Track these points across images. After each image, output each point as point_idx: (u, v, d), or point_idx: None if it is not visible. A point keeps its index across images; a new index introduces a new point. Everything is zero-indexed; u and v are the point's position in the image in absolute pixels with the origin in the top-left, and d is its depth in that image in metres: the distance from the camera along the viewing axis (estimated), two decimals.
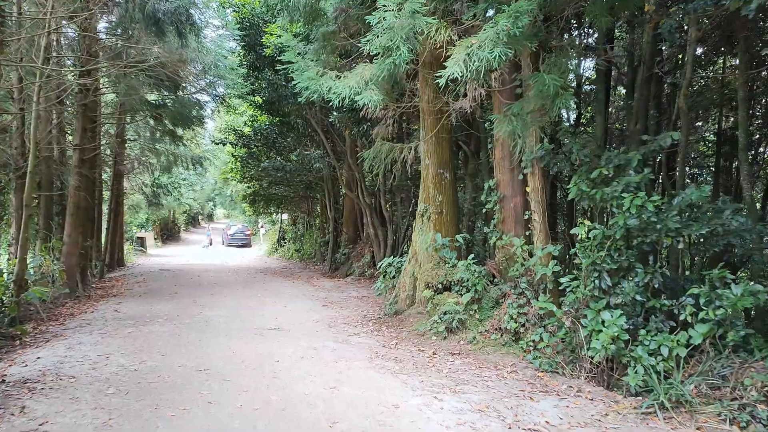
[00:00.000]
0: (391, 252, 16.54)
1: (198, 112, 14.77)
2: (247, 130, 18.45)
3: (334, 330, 9.01)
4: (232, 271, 19.14)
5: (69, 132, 15.19)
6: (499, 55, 5.74)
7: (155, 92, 13.34)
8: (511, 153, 8.76)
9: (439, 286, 8.82)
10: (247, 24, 14.84)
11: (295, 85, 13.69)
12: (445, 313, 8.10)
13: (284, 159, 17.80)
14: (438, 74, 6.16)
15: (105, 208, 19.88)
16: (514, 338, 7.52)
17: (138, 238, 28.65)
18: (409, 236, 16.79)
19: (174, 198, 27.99)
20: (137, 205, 25.16)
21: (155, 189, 21.76)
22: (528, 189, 7.97)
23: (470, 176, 13.46)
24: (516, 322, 7.51)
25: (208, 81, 12.58)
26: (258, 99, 18.07)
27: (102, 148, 17.29)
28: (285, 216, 30.88)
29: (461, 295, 8.45)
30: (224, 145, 18.79)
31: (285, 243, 27.54)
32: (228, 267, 20.96)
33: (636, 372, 5.90)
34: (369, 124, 12.25)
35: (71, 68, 11.94)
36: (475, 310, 8.07)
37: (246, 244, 37.64)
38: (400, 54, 6.47)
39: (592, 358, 6.30)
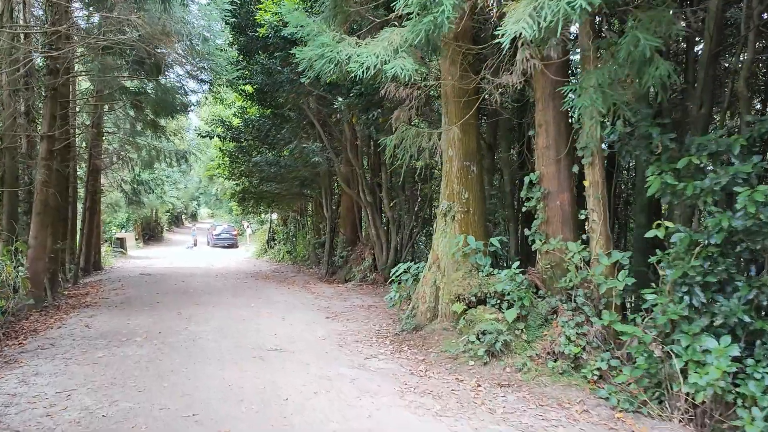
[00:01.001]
0: (394, 255, 15.19)
1: (183, 99, 13.25)
2: (236, 122, 16.93)
3: (346, 350, 7.60)
4: (219, 275, 17.61)
5: (39, 122, 13.61)
6: (582, 5, 4.39)
7: (135, 77, 11.81)
8: (558, 140, 7.44)
9: (473, 298, 7.45)
10: (238, 2, 13.36)
11: (293, 68, 12.26)
12: (483, 333, 6.73)
13: (278, 153, 16.29)
14: (500, 32, 4.79)
15: (81, 207, 18.29)
16: (573, 365, 6.18)
17: (117, 238, 26.96)
18: (416, 237, 15.47)
19: (156, 196, 26.32)
20: (116, 204, 23.48)
21: (135, 186, 20.13)
22: (585, 183, 6.63)
23: (486, 171, 12.14)
24: (576, 346, 6.17)
25: (194, 61, 11.07)
26: (249, 88, 16.59)
27: (76, 139, 15.72)
28: (274, 216, 29.35)
29: (500, 309, 7.10)
30: (211, 138, 17.27)
31: (275, 244, 26.01)
32: (215, 270, 19.42)
33: (753, 417, 4.60)
34: (380, 110, 10.85)
35: (34, 27, 10.37)
36: (522, 330, 6.71)
37: (232, 245, 36.03)
38: (443, 10, 5.10)
39: (688, 395, 5.00)
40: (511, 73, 6.28)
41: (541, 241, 7.39)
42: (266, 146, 16.58)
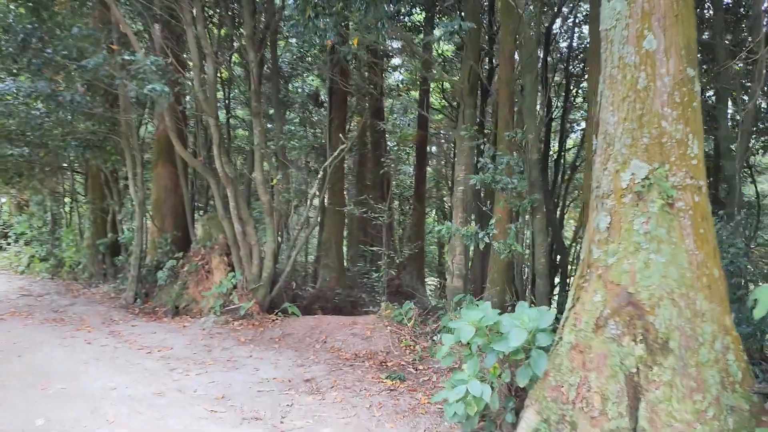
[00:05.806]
0: (272, 265, 9.16)
1: None
2: None
3: None
4: None
5: None
6: None
7: None
8: None
9: None
10: None
11: None
12: None
13: (49, 78, 8.45)
14: None
15: None
16: None
17: None
18: (309, 236, 9.75)
19: None
20: None
21: None
22: None
23: None
24: None
25: None
26: None
27: None
28: (3, 199, 19.49)
29: None
30: None
31: (9, 245, 16.70)
32: None
33: None
34: None
35: None
36: None
37: None
38: None
39: None
40: None
41: None
42: (22, 66, 8.59)
